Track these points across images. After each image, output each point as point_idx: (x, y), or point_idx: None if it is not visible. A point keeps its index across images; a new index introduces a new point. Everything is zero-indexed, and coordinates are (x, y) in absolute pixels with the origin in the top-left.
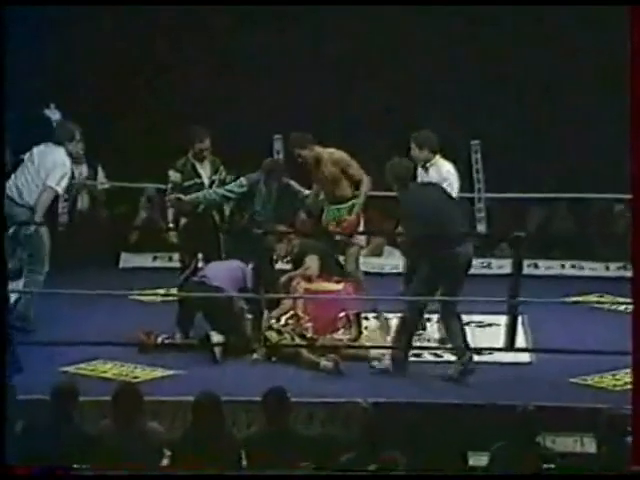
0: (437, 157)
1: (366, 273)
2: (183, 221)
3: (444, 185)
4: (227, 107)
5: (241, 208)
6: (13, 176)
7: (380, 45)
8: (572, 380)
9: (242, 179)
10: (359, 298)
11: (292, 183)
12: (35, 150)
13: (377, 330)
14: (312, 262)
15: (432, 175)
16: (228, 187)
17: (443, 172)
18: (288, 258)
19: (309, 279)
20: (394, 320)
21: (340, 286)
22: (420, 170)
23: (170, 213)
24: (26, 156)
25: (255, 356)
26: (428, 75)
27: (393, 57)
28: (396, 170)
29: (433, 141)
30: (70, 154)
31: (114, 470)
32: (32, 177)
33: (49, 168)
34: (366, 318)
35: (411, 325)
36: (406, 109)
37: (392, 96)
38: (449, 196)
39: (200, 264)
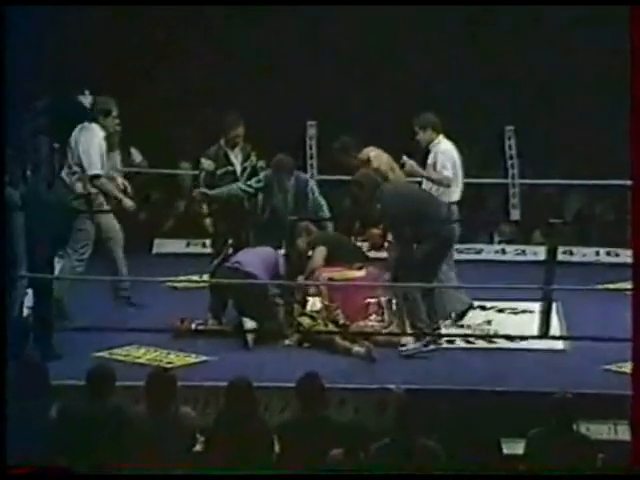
0: (440, 137)
1: None
2: (214, 207)
3: (439, 158)
4: (259, 92)
5: (263, 202)
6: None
7: (407, 33)
8: (606, 367)
9: (261, 175)
10: (382, 285)
11: (311, 184)
12: (72, 135)
13: None
14: (317, 253)
15: (432, 156)
16: (248, 182)
17: (439, 152)
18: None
19: (330, 269)
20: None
21: (362, 272)
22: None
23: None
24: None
25: (287, 342)
26: (462, 62)
27: (423, 45)
28: (362, 184)
29: (435, 121)
30: (105, 128)
31: (117, 467)
32: (70, 163)
33: (82, 153)
34: None
35: (417, 304)
36: (435, 96)
37: (421, 82)
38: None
39: (230, 250)
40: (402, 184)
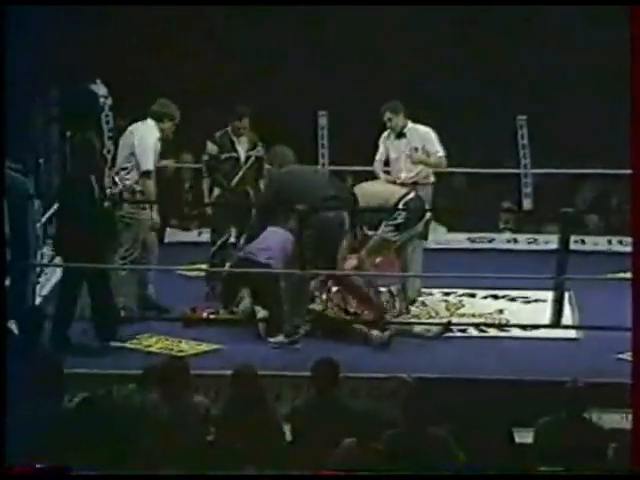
0: (409, 122)
1: None
2: (216, 194)
3: (426, 145)
4: (272, 82)
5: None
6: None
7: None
8: (619, 356)
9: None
10: (394, 275)
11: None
12: (127, 131)
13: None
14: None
15: (412, 139)
16: None
17: (422, 133)
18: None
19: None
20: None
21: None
22: (392, 140)
23: (206, 188)
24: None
25: (300, 331)
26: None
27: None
28: (278, 157)
29: (402, 107)
30: (162, 132)
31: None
32: (121, 159)
33: (137, 147)
34: (429, 294)
35: (293, 290)
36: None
37: (437, 69)
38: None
39: (232, 239)
40: (295, 170)
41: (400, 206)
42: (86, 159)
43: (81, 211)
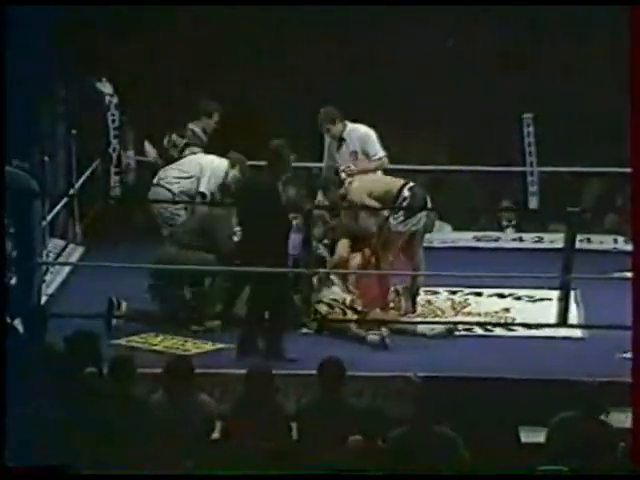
0: (347, 123)
1: None
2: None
3: (365, 147)
4: (276, 81)
5: None
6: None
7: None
8: (624, 355)
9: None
10: (401, 273)
11: None
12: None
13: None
14: (341, 246)
15: (351, 142)
16: None
17: (361, 135)
18: (325, 241)
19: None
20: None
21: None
22: (333, 145)
23: None
24: None
25: (305, 330)
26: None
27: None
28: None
29: (338, 113)
30: (204, 130)
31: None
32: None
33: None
34: (435, 292)
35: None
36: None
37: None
38: None
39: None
40: None
41: (405, 193)
42: (279, 167)
43: (270, 216)
